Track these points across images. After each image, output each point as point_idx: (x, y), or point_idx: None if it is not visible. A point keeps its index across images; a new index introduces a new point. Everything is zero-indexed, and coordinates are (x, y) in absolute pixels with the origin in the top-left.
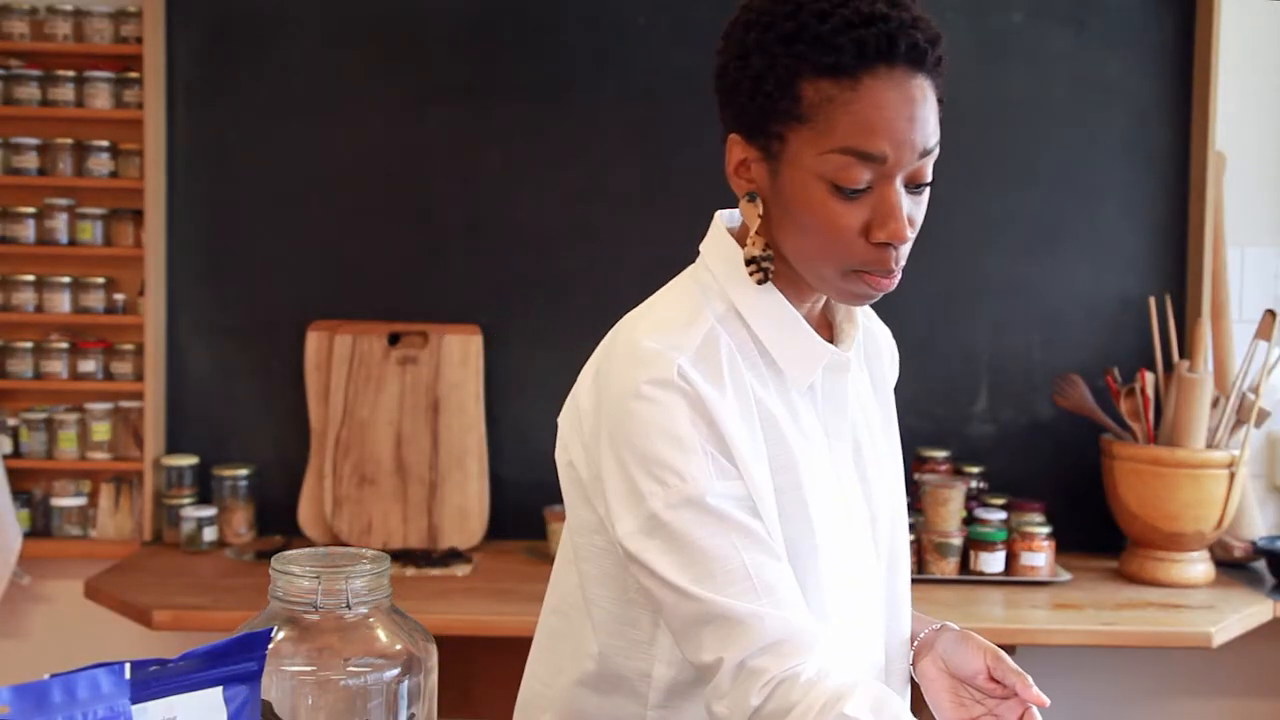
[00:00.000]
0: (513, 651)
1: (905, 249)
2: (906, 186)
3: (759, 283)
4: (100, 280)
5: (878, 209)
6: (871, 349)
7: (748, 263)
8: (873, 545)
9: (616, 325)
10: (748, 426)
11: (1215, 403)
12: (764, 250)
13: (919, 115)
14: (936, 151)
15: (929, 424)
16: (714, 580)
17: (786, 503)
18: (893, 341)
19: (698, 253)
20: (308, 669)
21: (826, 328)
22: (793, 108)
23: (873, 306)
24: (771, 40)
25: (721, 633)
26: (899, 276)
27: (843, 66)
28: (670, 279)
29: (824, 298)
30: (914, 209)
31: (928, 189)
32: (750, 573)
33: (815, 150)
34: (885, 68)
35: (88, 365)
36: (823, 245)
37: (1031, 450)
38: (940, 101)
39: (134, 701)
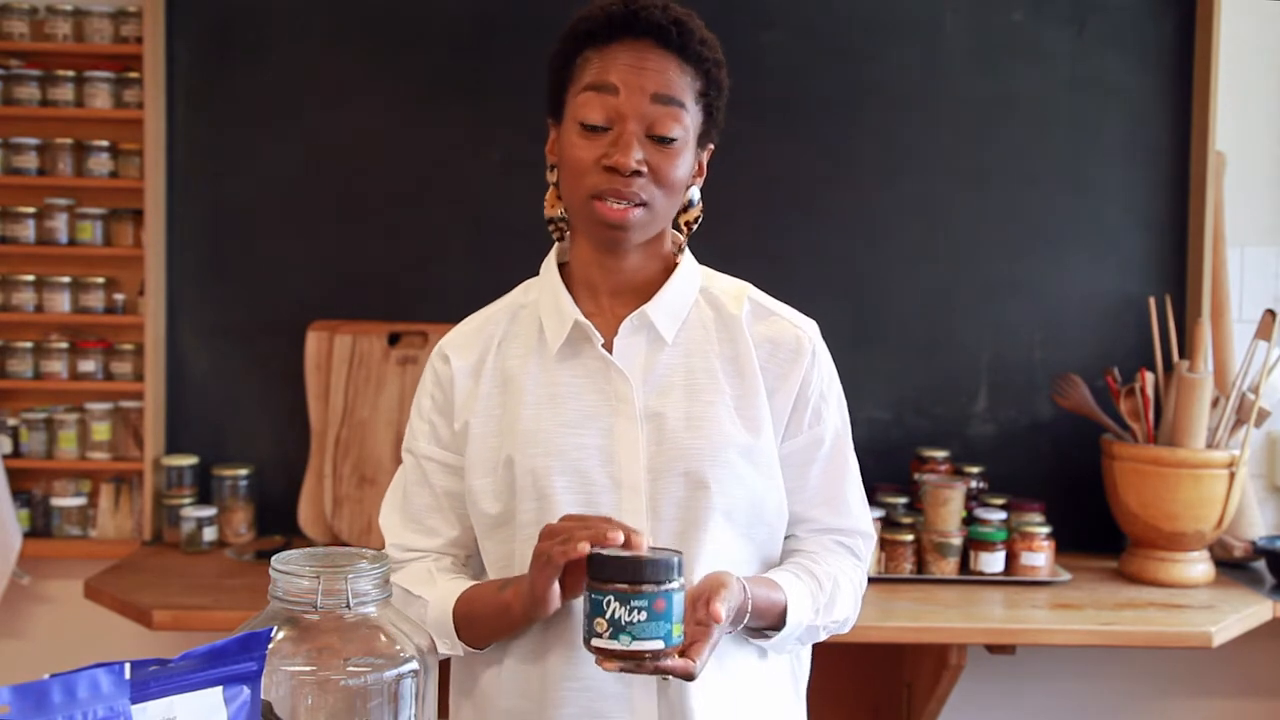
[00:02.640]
0: None
1: (644, 188)
2: (650, 137)
3: (557, 240)
4: (100, 280)
5: (612, 143)
6: (767, 349)
7: (547, 223)
8: (641, 501)
9: None
10: (479, 389)
11: (1215, 403)
12: (561, 213)
13: (652, 69)
14: (681, 113)
15: (929, 424)
16: (394, 495)
17: (499, 449)
18: (803, 340)
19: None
20: (308, 669)
21: (641, 299)
22: (572, 74)
23: (863, 303)
24: (566, 35)
25: (385, 523)
26: (634, 213)
27: (599, 35)
28: None
29: (639, 268)
30: (661, 161)
31: (674, 146)
32: (413, 503)
33: (572, 96)
34: (631, 39)
35: (87, 365)
36: (569, 177)
37: (1031, 450)
38: (707, 95)
39: (134, 701)
